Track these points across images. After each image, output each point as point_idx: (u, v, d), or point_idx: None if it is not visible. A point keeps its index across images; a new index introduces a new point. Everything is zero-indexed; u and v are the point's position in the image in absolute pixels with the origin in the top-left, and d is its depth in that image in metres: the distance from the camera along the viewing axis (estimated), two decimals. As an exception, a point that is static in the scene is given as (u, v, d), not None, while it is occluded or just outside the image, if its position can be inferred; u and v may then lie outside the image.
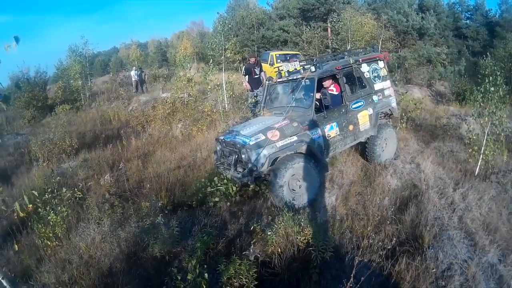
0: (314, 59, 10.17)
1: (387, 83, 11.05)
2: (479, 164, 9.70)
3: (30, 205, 4.11)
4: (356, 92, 10.15)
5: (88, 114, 22.64)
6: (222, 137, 9.47)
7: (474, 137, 10.16)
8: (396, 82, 16.29)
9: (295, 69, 10.46)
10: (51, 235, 7.92)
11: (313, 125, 8.97)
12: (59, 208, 8.29)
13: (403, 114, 13.56)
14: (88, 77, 32.81)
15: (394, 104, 11.16)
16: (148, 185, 10.02)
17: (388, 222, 7.39)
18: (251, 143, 8.30)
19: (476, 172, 9.56)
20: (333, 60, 10.90)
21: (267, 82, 11.33)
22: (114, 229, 7.82)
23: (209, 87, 16.98)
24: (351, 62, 10.02)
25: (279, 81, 10.64)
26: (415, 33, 32.42)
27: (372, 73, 10.59)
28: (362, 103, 10.11)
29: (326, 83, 10.01)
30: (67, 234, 8.14)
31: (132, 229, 7.86)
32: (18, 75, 27.12)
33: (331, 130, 9.32)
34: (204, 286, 5.37)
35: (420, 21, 31.81)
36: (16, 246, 5.24)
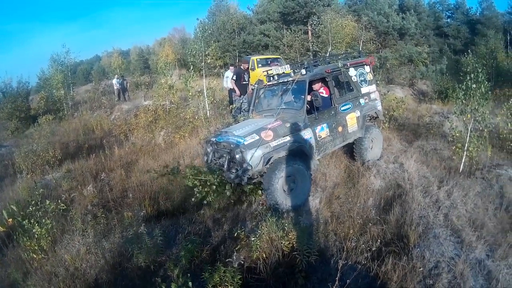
0: (305, 63, 10.25)
1: (373, 87, 11.41)
2: (463, 160, 9.82)
3: (10, 219, 4.13)
4: (345, 95, 10.47)
5: (71, 124, 22.47)
6: (213, 139, 9.46)
7: (458, 134, 10.28)
8: (378, 82, 16.33)
9: (284, 72, 10.49)
10: (36, 248, 7.90)
11: (305, 126, 9.13)
12: (44, 220, 8.26)
13: (386, 113, 13.73)
14: (71, 86, 32.52)
15: (379, 107, 11.50)
16: (131, 194, 10.06)
17: (373, 223, 7.45)
18: (246, 143, 8.31)
19: (461, 169, 9.67)
20: (322, 64, 11.13)
21: (256, 85, 11.37)
22: (98, 240, 7.83)
23: (190, 93, 16.92)
24: (340, 66, 10.31)
25: (269, 84, 10.82)
26: (396, 33, 32.51)
27: (359, 77, 10.91)
28: (350, 106, 10.38)
29: (316, 86, 10.23)
30: (53, 247, 8.11)
31: (116, 240, 7.86)
32: (1, 85, 26.83)
33: (322, 131, 9.51)
34: (188, 296, 5.35)
35: (401, 22, 31.98)
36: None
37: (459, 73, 20.49)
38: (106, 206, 9.70)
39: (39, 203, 8.74)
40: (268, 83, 10.87)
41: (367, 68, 11.32)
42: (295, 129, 8.96)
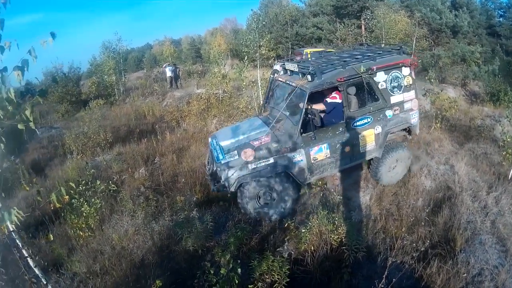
0: (313, 66, 8.56)
1: (410, 94, 9.26)
2: None
3: (67, 197, 4.11)
4: (364, 106, 8.77)
5: (122, 109, 22.80)
6: (210, 139, 9.38)
7: (509, 139, 9.80)
8: (432, 80, 15.88)
9: (294, 70, 9.10)
10: (84, 225, 8.02)
11: (295, 147, 8.20)
12: (93, 200, 8.36)
13: (438, 113, 13.37)
14: (122, 72, 33.11)
15: (414, 120, 9.44)
16: (182, 180, 10.05)
17: (421, 224, 7.29)
18: (223, 161, 8.10)
19: (510, 176, 9.19)
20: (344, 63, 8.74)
21: (271, 75, 10.18)
22: (148, 222, 7.89)
23: (244, 83, 16.70)
24: (362, 70, 8.35)
25: (279, 79, 9.66)
26: (449, 31, 31.72)
27: (391, 83, 8.90)
28: (369, 120, 8.76)
29: (327, 91, 8.85)
30: (100, 226, 8.25)
31: (166, 223, 7.90)
32: (52, 70, 27.39)
33: (318, 152, 8.41)
34: (237, 281, 5.34)
35: (454, 19, 31.21)
36: (50, 235, 5.23)
37: (511, 75, 19.87)
38: (157, 190, 9.78)
39: (89, 183, 8.84)
40: (279, 78, 9.69)
41: (406, 71, 9.05)
42: (282, 150, 8.16)
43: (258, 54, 17.24)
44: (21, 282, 4.83)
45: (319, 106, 8.72)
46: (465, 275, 5.99)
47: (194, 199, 8.50)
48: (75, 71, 29.00)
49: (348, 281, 6.14)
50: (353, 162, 8.92)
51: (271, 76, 10.10)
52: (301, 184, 8.44)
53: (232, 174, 7.95)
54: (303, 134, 8.18)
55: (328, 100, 8.80)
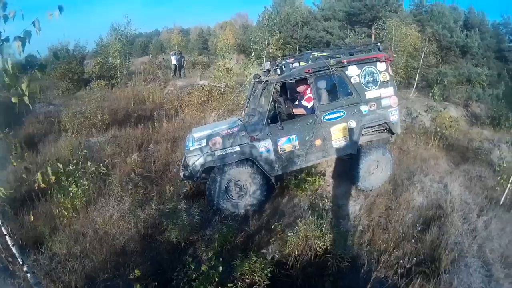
0: (283, 60, 9.28)
1: (388, 90, 9.18)
2: (505, 193, 9.23)
3: (53, 177, 4.01)
4: (336, 100, 8.79)
5: (123, 92, 22.55)
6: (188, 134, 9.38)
7: (505, 165, 9.79)
8: (436, 97, 15.79)
9: (268, 69, 9.33)
10: (69, 206, 7.95)
11: (263, 136, 8.28)
12: (81, 180, 8.29)
13: (438, 130, 13.34)
14: (127, 56, 32.91)
15: (394, 118, 9.30)
16: (174, 170, 10.01)
17: (408, 239, 7.23)
18: (191, 148, 8.22)
19: (502, 201, 9.10)
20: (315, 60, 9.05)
21: (253, 80, 10.21)
22: (134, 209, 7.80)
23: (248, 79, 16.56)
24: (331, 63, 8.50)
25: (257, 81, 9.67)
26: (458, 50, 31.58)
27: (365, 78, 8.91)
28: (342, 114, 8.74)
29: (301, 88, 9.17)
30: (86, 208, 8.17)
31: (152, 211, 7.83)
32: (57, 47, 27.05)
33: (286, 143, 8.42)
34: (216, 279, 5.26)
35: (464, 39, 31.12)
36: (31, 216, 5.12)
37: (515, 101, 19.82)
38: (148, 177, 9.71)
39: (80, 163, 8.78)
40: (256, 79, 9.74)
41: (381, 66, 9.07)
42: (250, 139, 8.23)
43: (265, 51, 17.16)
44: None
45: (300, 111, 8.82)
46: (446, 297, 5.87)
47: (184, 190, 8.48)
48: (80, 50, 28.76)
49: (329, 290, 6.05)
50: (326, 156, 8.92)
51: (253, 80, 10.11)
52: (268, 175, 8.40)
53: (198, 160, 8.04)
54: (271, 125, 8.34)
55: (303, 102, 8.89)
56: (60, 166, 4.79)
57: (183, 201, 7.40)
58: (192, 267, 5.29)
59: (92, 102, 16.44)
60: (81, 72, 27.31)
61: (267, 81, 8.81)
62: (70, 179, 8.15)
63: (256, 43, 17.25)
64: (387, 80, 9.13)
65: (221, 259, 5.58)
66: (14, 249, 4.22)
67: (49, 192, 8.50)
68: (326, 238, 6.72)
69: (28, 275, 4.49)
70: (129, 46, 34.21)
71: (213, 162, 8.11)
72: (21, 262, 4.34)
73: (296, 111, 8.86)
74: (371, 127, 9.26)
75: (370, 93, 8.96)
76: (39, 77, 3.90)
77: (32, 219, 5.28)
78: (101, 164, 9.09)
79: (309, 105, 8.72)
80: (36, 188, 4.27)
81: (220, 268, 5.27)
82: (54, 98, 22.91)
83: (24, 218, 7.92)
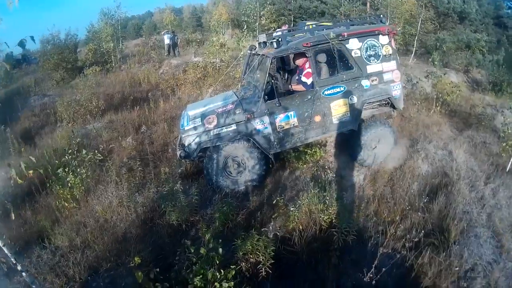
0: (278, 31, 8.99)
1: (391, 64, 8.87)
2: (511, 159, 9.08)
3: (31, 172, 3.86)
4: (336, 74, 8.48)
5: (118, 76, 22.48)
6: (183, 111, 9.25)
7: (510, 131, 9.55)
8: (435, 63, 15.59)
9: (264, 41, 8.94)
10: (68, 196, 7.85)
11: (260, 113, 8.05)
12: (78, 169, 8.20)
13: (439, 96, 13.18)
14: (120, 39, 32.59)
15: (396, 93, 8.99)
16: (169, 150, 9.96)
17: (415, 209, 7.05)
18: (186, 128, 8.05)
19: (508, 168, 8.94)
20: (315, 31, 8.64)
21: (248, 51, 9.87)
22: (132, 194, 7.70)
23: (242, 53, 16.26)
24: (331, 37, 8.14)
25: (253, 53, 9.46)
26: (456, 16, 31.25)
27: (366, 51, 8.59)
28: (342, 89, 8.46)
29: (299, 61, 8.84)
30: (85, 196, 8.06)
31: (151, 195, 7.73)
32: (49, 38, 26.50)
33: (284, 120, 8.18)
34: (218, 261, 5.10)
35: (462, 4, 30.78)
36: (12, 215, 4.93)
37: (516, 67, 19.62)
38: (145, 160, 9.56)
39: (75, 152, 8.67)
40: (252, 51, 9.48)
41: (383, 39, 8.75)
42: (246, 117, 8.01)
43: (258, 24, 16.96)
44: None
45: (299, 88, 8.58)
46: (457, 269, 5.78)
47: (179, 170, 8.40)
48: (71, 38, 28.25)
49: (336, 265, 5.94)
50: (326, 133, 8.68)
51: (248, 51, 9.79)
52: (267, 153, 8.24)
53: (194, 140, 7.92)
54: (268, 101, 8.09)
55: (302, 78, 8.63)
56: (33, 159, 4.61)
57: (179, 182, 7.21)
58: (192, 250, 5.12)
59: (86, 89, 16.32)
60: (75, 61, 27.08)
61: (263, 55, 8.55)
62: (67, 169, 8.04)
63: (248, 16, 17.05)
64: (390, 54, 8.83)
65: (220, 240, 5.38)
66: (5, 250, 4.14)
67: (48, 185, 8.42)
68: (330, 211, 6.57)
69: (24, 274, 4.41)
70: (121, 29, 33.97)
71: (209, 141, 7.96)
72: (14, 262, 4.27)
73: (295, 87, 8.60)
74: (373, 102, 9.00)
75: (372, 67, 8.65)
76: (8, 68, 3.74)
77: (13, 217, 5.16)
78: (96, 151, 8.96)
79: (309, 81, 8.46)
80: (12, 184, 4.17)
81: (220, 250, 5.11)
82: (49, 89, 22.83)
83: (27, 214, 7.84)
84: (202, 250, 4.98)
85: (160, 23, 51.15)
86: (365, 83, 8.60)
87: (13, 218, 4.65)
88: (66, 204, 7.77)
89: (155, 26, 58.87)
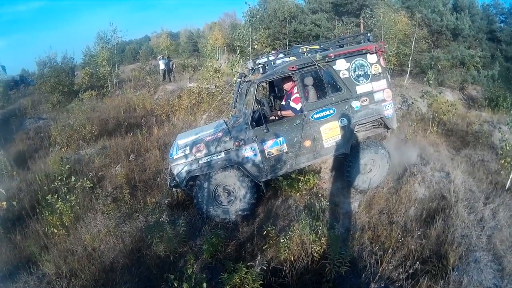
0: (265, 57, 8.75)
1: (381, 83, 8.75)
2: (510, 176, 8.98)
3: (4, 203, 3.81)
4: (325, 97, 8.37)
5: (114, 101, 22.49)
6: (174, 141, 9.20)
7: (508, 147, 9.50)
8: (430, 82, 15.58)
9: (252, 68, 8.72)
10: (58, 223, 7.75)
11: (249, 140, 7.94)
12: (68, 196, 8.06)
13: (435, 116, 13.09)
14: (116, 64, 32.78)
15: (388, 112, 8.86)
16: (158, 179, 9.84)
17: (412, 236, 6.93)
18: (175, 157, 7.96)
19: (507, 186, 8.86)
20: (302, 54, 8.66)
21: (238, 79, 9.70)
22: (116, 224, 7.60)
23: (235, 78, 16.33)
24: (317, 59, 8.05)
25: (241, 80, 9.29)
26: (449, 33, 31.39)
27: (354, 72, 8.48)
28: (332, 112, 8.32)
29: (287, 85, 8.80)
30: (74, 224, 7.92)
31: (139, 224, 7.63)
32: (45, 60, 26.84)
33: (274, 146, 8.03)
34: (202, 297, 4.92)
35: (455, 21, 30.96)
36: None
37: (510, 81, 19.65)
38: (137, 187, 9.43)
39: (64, 178, 8.53)
40: (241, 79, 9.32)
41: (372, 58, 8.63)
42: (234, 144, 7.90)
43: (250, 48, 16.99)
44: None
45: (288, 113, 8.48)
46: (456, 298, 5.60)
47: (166, 201, 8.24)
48: (68, 61, 28.51)
49: (328, 298, 5.79)
50: (317, 157, 8.49)
51: (239, 79, 9.63)
52: (257, 181, 8.07)
53: (183, 168, 7.80)
54: (256, 128, 7.99)
55: (291, 103, 8.50)
56: (3, 191, 4.55)
57: (165, 213, 6.92)
58: (176, 285, 4.98)
59: (80, 114, 16.28)
60: (71, 84, 27.24)
61: (249, 81, 8.54)
62: (56, 196, 7.93)
63: (240, 40, 17.09)
64: (379, 73, 8.72)
65: (206, 273, 5.30)
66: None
67: (38, 211, 8.30)
68: (322, 241, 6.46)
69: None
70: (119, 54, 34.20)
71: (199, 170, 7.84)
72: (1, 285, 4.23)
73: (285, 113, 8.50)
74: (365, 123, 8.85)
75: (361, 88, 8.54)
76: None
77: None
78: (85, 178, 8.82)
79: (298, 106, 8.33)
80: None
81: (205, 284, 4.96)
82: (44, 112, 22.89)
83: (17, 238, 7.82)
84: (185, 286, 4.84)
85: (157, 47, 51.39)
86: (355, 104, 8.49)
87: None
88: (55, 231, 7.65)
89: (152, 51, 59.22)
